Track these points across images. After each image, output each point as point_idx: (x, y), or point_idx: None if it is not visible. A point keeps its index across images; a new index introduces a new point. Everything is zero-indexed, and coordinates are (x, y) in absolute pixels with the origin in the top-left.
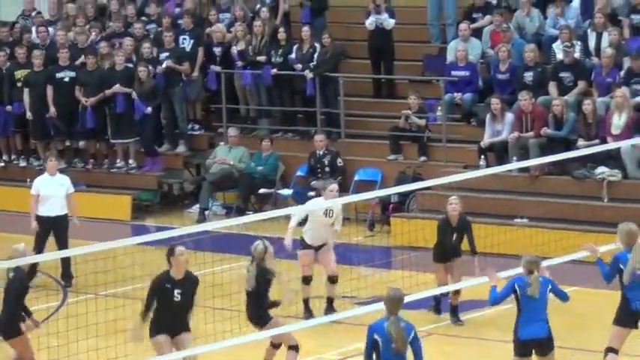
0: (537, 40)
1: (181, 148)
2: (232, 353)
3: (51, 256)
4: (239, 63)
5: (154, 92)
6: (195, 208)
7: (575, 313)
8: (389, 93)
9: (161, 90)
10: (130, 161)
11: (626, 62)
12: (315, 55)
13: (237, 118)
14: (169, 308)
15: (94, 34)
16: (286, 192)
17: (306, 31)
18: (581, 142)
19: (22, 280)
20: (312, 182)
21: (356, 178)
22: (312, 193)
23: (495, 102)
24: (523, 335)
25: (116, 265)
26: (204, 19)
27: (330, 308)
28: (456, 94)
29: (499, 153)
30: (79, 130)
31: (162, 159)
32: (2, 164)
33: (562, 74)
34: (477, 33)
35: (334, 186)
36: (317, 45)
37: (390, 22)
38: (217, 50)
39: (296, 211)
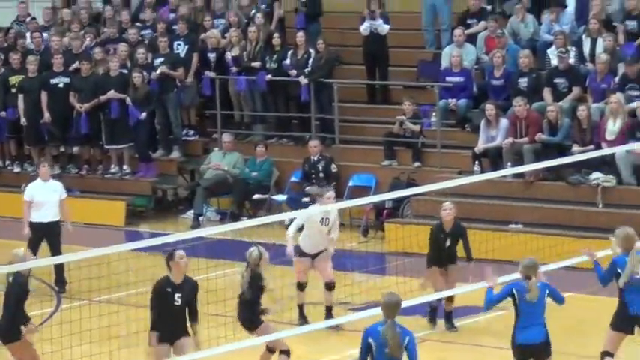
0: (532, 45)
1: (175, 154)
2: (227, 359)
3: (45, 261)
4: (233, 69)
5: (149, 98)
6: (190, 214)
7: (570, 319)
8: (383, 99)
9: (155, 96)
10: (124, 167)
11: (621, 68)
12: (310, 61)
13: (232, 123)
14: (170, 312)
15: (88, 39)
16: (280, 198)
17: (300, 36)
18: (575, 147)
19: (22, 284)
20: (307, 188)
21: (350, 183)
22: (306, 199)
23: (490, 108)
24: (520, 340)
25: (110, 271)
26: (198, 25)
27: (329, 317)
28: (450, 99)
29: (493, 159)
30: (73, 136)
31: (156, 165)
32: None
33: (557, 80)
34: (472, 39)
35: (331, 193)
36: (311, 51)
37: (384, 28)
38: (212, 56)
39: (294, 217)
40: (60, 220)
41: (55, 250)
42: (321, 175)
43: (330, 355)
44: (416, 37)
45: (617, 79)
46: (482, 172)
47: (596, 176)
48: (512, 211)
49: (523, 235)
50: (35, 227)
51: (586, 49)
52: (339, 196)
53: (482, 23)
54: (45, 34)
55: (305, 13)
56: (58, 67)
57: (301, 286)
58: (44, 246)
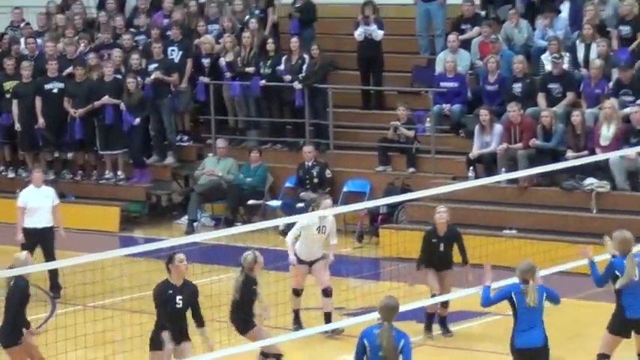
0: (526, 51)
1: (170, 160)
2: None
3: (40, 267)
4: (228, 74)
5: (143, 103)
6: (184, 219)
7: (565, 324)
8: (378, 104)
9: (150, 101)
10: (119, 172)
11: (615, 73)
12: (304, 67)
13: (226, 129)
14: (171, 315)
15: (82, 45)
16: (275, 203)
17: (294, 42)
18: (569, 153)
19: (22, 288)
20: (301, 193)
21: (345, 189)
22: (300, 205)
23: (484, 113)
24: (519, 344)
25: (104, 276)
26: (192, 31)
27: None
28: (444, 105)
29: (488, 164)
30: (67, 142)
31: (150, 170)
32: None
33: (551, 85)
34: (466, 44)
35: (328, 202)
36: (306, 56)
37: (378, 34)
38: (206, 61)
39: (289, 223)
40: (53, 226)
41: (49, 256)
42: (316, 180)
43: None
44: (410, 42)
45: (611, 84)
46: (477, 177)
47: (590, 181)
48: (506, 217)
49: (517, 241)
50: (29, 233)
51: (580, 55)
52: (333, 202)
53: (477, 29)
54: (39, 40)
55: (299, 19)
56: (52, 73)
57: (297, 293)
58: (38, 252)
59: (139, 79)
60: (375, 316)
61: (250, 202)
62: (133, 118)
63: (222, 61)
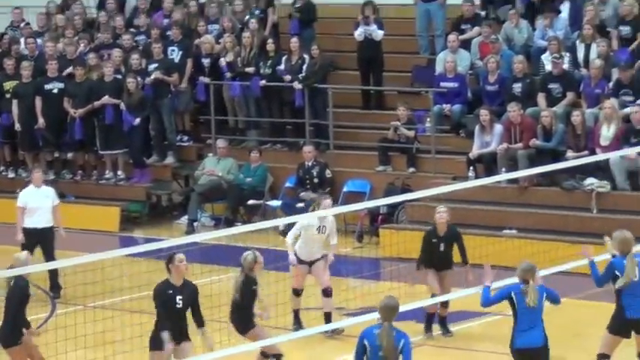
0: (526, 51)
1: (170, 160)
2: None
3: (40, 267)
4: (228, 74)
5: (143, 103)
6: (184, 219)
7: (565, 324)
8: (378, 104)
9: (150, 101)
10: (119, 172)
11: (615, 73)
12: (304, 67)
13: (226, 129)
14: (172, 315)
15: (82, 45)
16: (275, 203)
17: (294, 42)
18: (570, 153)
19: (23, 288)
20: (301, 193)
21: (345, 189)
22: (300, 205)
23: (484, 113)
24: (519, 344)
25: (105, 276)
26: (192, 31)
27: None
28: (444, 105)
29: (488, 164)
30: (67, 142)
31: (150, 170)
32: None
33: (551, 85)
34: (466, 44)
35: (328, 202)
36: (306, 56)
37: (378, 34)
38: (206, 61)
39: (288, 222)
40: (53, 226)
41: (49, 256)
42: (316, 180)
43: None
44: (410, 42)
45: (611, 84)
46: (477, 177)
47: (590, 181)
48: (506, 217)
49: (517, 241)
50: (29, 233)
51: (580, 55)
52: (333, 202)
53: (477, 29)
54: (39, 40)
55: (299, 19)
56: (52, 73)
57: (297, 293)
58: (38, 252)
59: (139, 79)
60: (374, 317)
61: (250, 202)
62: (133, 118)
63: (223, 61)
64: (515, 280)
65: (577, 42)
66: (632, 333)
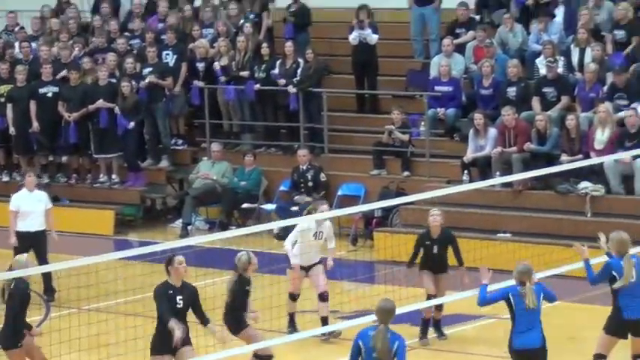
0: (520, 55)
1: (164, 163)
2: None
3: (34, 270)
4: (222, 78)
5: (137, 107)
6: (178, 222)
7: (560, 327)
8: (372, 108)
9: (144, 105)
10: (113, 176)
11: (609, 77)
12: (299, 71)
13: (221, 133)
14: (172, 315)
15: (77, 49)
16: (269, 207)
17: (289, 46)
18: (564, 157)
19: (23, 290)
20: (296, 197)
21: (339, 193)
22: (295, 208)
23: (478, 117)
24: (517, 345)
25: (99, 279)
26: (187, 35)
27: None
28: (439, 109)
29: (482, 168)
30: (61, 145)
31: (145, 174)
32: None
33: (545, 89)
34: (460, 48)
35: (325, 207)
36: (300, 60)
37: (373, 38)
38: (200, 65)
39: (283, 226)
40: (45, 230)
41: (42, 259)
42: (310, 184)
43: None
44: (405, 46)
45: (605, 88)
46: (471, 181)
47: (584, 185)
48: (500, 220)
49: (512, 244)
50: (22, 236)
51: (574, 59)
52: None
53: (471, 33)
54: (33, 44)
55: (294, 23)
56: (47, 77)
57: (294, 297)
58: (31, 255)
59: (133, 83)
60: (369, 319)
61: (245, 205)
62: (127, 121)
63: (217, 65)
64: (511, 282)
65: (571, 46)
66: (629, 335)
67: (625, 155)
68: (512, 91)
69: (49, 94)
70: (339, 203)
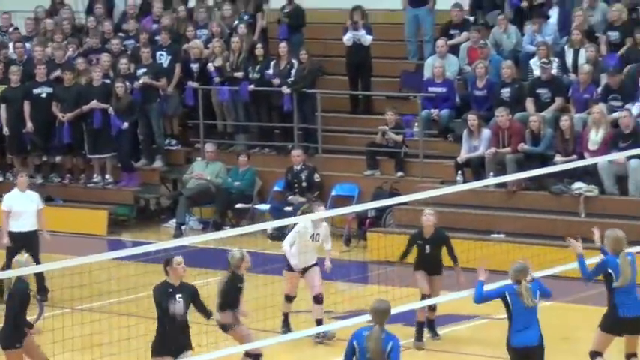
0: (514, 56)
1: (158, 164)
2: None
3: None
4: (216, 79)
5: (131, 108)
6: (172, 223)
7: (554, 327)
8: (366, 109)
9: (138, 105)
10: (107, 176)
11: (603, 78)
12: (293, 72)
13: (215, 133)
14: (172, 314)
15: (71, 50)
16: (263, 207)
17: (283, 47)
18: (558, 157)
19: (23, 290)
20: (289, 197)
21: (333, 193)
22: (288, 208)
23: (472, 118)
24: (515, 343)
25: (92, 279)
26: (181, 36)
27: (319, 331)
28: (433, 110)
29: (476, 169)
30: (55, 146)
31: (138, 174)
32: None
33: (539, 90)
34: (454, 50)
35: (321, 209)
36: (294, 61)
37: (367, 39)
38: (194, 66)
39: (277, 226)
40: (38, 230)
41: (34, 259)
42: (304, 184)
43: None
44: (399, 47)
45: (599, 89)
46: (465, 181)
47: (578, 186)
48: (494, 221)
49: (505, 245)
50: (14, 237)
51: (569, 60)
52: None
53: (465, 34)
54: (27, 45)
55: (288, 24)
56: (41, 77)
57: (289, 299)
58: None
59: (127, 83)
60: (362, 320)
61: (238, 205)
62: (121, 122)
63: (211, 65)
64: (506, 281)
65: (565, 47)
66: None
67: (619, 156)
68: (506, 92)
69: (43, 95)
70: (332, 204)
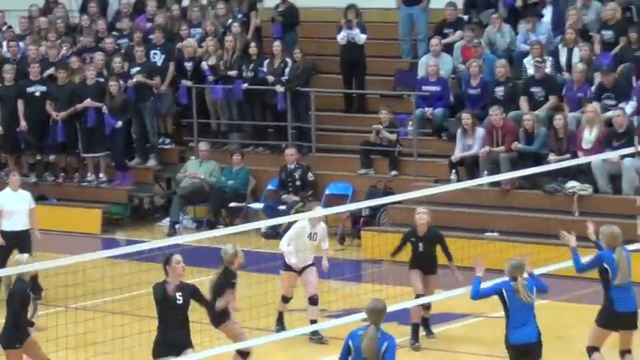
0: (508, 55)
1: (152, 162)
2: None
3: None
4: (210, 77)
5: (125, 106)
6: (166, 221)
7: (548, 326)
8: (360, 108)
9: (132, 104)
10: (101, 175)
11: (597, 77)
12: (287, 70)
13: (208, 132)
14: (172, 312)
15: (65, 48)
16: (257, 206)
17: (277, 46)
18: (552, 156)
19: (23, 289)
20: (283, 196)
21: (327, 192)
22: (282, 207)
23: (466, 117)
24: (513, 340)
25: (86, 278)
26: (175, 34)
27: (314, 331)
28: (427, 108)
29: (470, 167)
30: (49, 144)
31: (132, 173)
32: None
33: (533, 89)
34: (448, 48)
35: (319, 209)
36: (288, 60)
37: (361, 38)
38: (188, 65)
39: (271, 225)
40: (30, 229)
41: None
42: (298, 183)
43: None
44: (393, 46)
45: (593, 88)
46: (459, 180)
47: (572, 185)
48: (488, 220)
49: (499, 243)
50: (7, 236)
51: (562, 59)
52: None
53: (459, 33)
54: (21, 43)
55: (282, 23)
56: (35, 76)
57: (286, 300)
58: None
59: (121, 82)
60: (356, 318)
61: (232, 204)
62: (115, 120)
63: (205, 64)
64: (501, 279)
65: (559, 46)
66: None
67: (612, 155)
68: (500, 91)
69: (37, 94)
70: (326, 202)
